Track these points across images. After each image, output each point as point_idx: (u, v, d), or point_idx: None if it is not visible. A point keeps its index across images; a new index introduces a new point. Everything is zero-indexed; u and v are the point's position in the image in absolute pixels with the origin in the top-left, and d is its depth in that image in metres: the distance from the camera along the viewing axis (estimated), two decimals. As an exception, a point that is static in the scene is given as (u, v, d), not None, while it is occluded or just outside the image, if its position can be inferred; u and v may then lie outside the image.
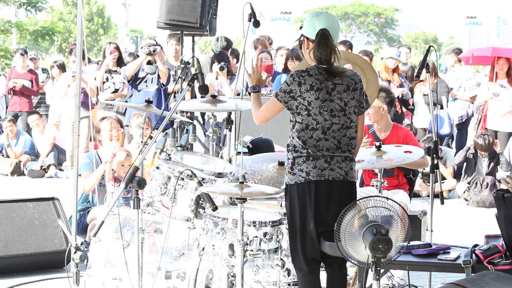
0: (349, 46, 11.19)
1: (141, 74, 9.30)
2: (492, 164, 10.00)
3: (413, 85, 10.84)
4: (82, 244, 6.31)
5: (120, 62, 10.10)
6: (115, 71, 9.99)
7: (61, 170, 11.84)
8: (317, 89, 4.26)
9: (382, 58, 10.67)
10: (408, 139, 6.19)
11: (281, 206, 4.77)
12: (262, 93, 9.33)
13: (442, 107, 10.97)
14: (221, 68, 9.20)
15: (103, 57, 10.32)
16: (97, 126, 7.20)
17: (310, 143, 4.26)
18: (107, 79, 10.09)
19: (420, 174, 9.84)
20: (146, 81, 9.32)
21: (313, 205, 4.23)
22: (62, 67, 12.26)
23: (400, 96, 10.27)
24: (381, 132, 6.34)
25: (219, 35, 10.53)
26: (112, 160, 6.55)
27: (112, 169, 6.61)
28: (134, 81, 9.33)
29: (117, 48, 10.29)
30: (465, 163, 10.21)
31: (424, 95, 10.64)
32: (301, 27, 4.43)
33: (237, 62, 10.02)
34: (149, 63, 9.16)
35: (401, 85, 10.46)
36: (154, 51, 9.15)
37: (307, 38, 4.37)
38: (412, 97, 10.76)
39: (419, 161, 5.89)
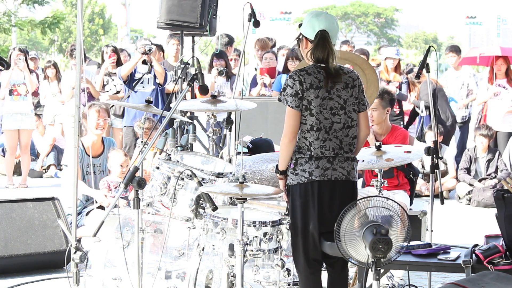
0: (353, 45, 11.26)
1: (137, 75, 9.32)
2: (491, 164, 10.00)
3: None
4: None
5: (119, 63, 10.11)
6: (115, 73, 10.00)
7: (61, 170, 11.84)
8: (317, 87, 4.26)
9: (385, 59, 10.64)
10: (404, 139, 6.20)
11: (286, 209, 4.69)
12: (264, 94, 9.43)
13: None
14: (220, 73, 9.22)
15: (102, 60, 10.34)
16: (84, 112, 7.17)
17: (317, 144, 4.26)
18: (107, 82, 10.11)
19: (420, 174, 9.85)
20: (142, 82, 9.33)
21: (316, 205, 4.23)
22: (56, 67, 12.19)
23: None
24: (381, 136, 6.33)
25: (220, 33, 10.54)
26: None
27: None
28: (130, 81, 9.34)
29: (115, 50, 10.29)
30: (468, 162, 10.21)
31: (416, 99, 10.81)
32: (300, 25, 4.43)
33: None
34: (144, 62, 9.17)
35: (400, 86, 10.46)
36: (149, 50, 9.15)
37: (306, 38, 4.38)
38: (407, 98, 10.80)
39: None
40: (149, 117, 7.73)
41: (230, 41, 10.49)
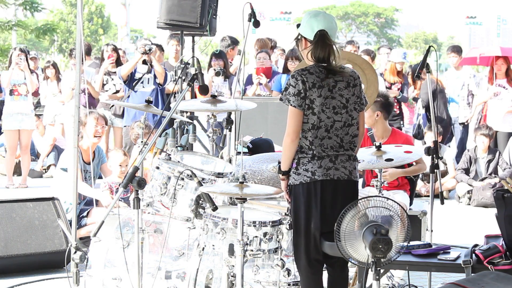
0: (357, 46, 11.30)
1: (137, 75, 9.33)
2: (491, 165, 10.00)
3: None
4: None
5: (118, 63, 10.11)
6: (114, 72, 10.00)
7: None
8: (319, 86, 4.26)
9: (389, 61, 10.66)
10: (406, 143, 6.19)
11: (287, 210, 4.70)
12: (261, 94, 9.43)
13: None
14: (217, 74, 9.22)
15: (101, 59, 10.34)
16: (82, 119, 7.18)
17: (316, 143, 4.26)
18: (107, 81, 10.11)
19: (420, 175, 9.84)
20: (142, 82, 9.33)
21: (318, 205, 4.23)
22: (56, 67, 12.18)
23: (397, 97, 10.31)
24: (379, 139, 6.32)
25: (224, 36, 10.57)
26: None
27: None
28: (130, 81, 9.34)
29: (115, 49, 10.30)
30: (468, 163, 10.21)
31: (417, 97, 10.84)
32: (298, 25, 4.43)
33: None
34: (144, 62, 9.18)
35: (402, 88, 10.48)
36: (149, 50, 9.16)
37: (305, 38, 4.37)
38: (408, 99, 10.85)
39: (417, 167, 5.99)
40: (147, 123, 7.74)
41: (233, 43, 10.49)
